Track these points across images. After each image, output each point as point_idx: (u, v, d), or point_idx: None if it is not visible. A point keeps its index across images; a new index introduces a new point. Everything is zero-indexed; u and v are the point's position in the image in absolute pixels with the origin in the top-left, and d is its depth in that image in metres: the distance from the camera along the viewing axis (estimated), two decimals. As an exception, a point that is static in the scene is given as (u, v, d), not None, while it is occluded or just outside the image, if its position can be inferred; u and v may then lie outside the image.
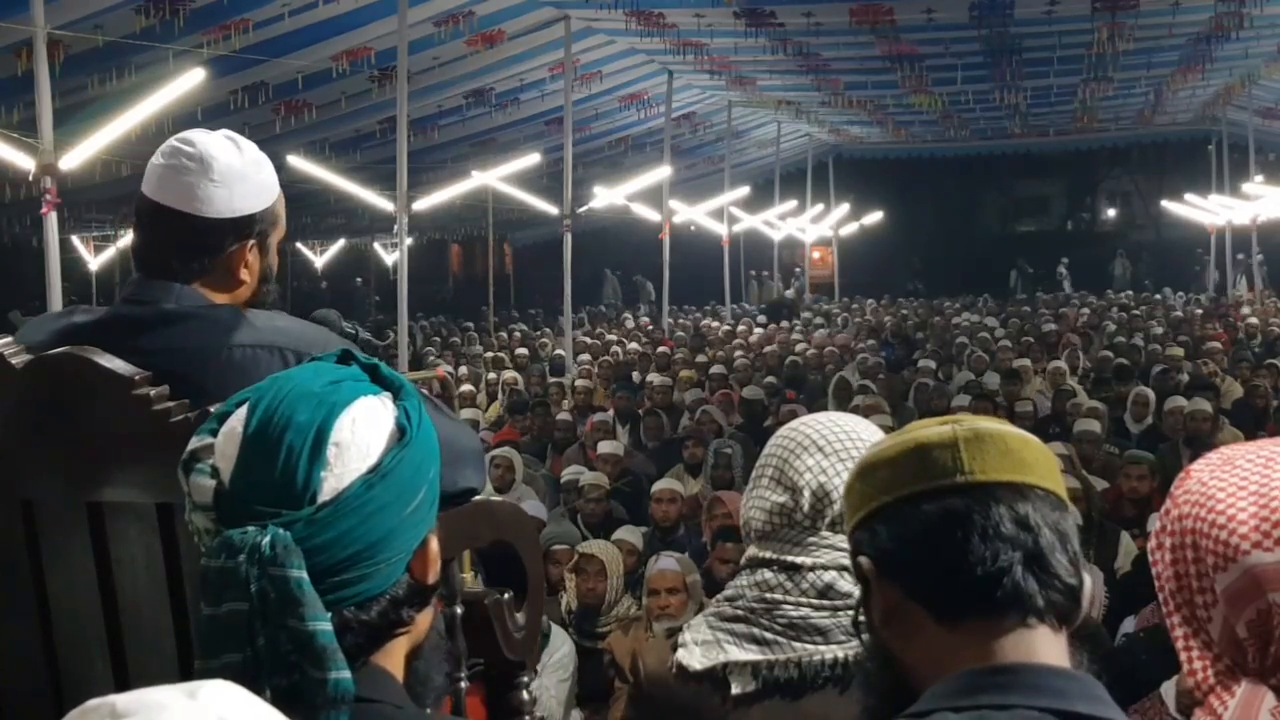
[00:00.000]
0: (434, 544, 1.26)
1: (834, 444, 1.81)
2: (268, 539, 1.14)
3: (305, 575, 1.14)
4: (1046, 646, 1.17)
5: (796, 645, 1.71)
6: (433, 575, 1.27)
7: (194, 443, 1.23)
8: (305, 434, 1.18)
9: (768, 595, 1.74)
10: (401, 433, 1.23)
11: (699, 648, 1.76)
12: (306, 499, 1.17)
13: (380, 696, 1.22)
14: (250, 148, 1.92)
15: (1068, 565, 1.18)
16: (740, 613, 1.76)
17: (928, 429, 1.24)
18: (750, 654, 1.72)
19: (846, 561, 1.73)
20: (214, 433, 1.23)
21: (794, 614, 1.72)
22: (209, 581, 1.15)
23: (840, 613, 1.71)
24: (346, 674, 1.13)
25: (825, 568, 1.74)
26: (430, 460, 1.25)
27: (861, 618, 1.25)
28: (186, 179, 1.86)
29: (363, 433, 1.20)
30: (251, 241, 1.91)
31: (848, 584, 1.72)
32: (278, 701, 1.11)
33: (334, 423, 1.19)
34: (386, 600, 1.22)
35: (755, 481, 1.86)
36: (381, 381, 1.28)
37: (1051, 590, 1.17)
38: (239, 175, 1.88)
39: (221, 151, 1.88)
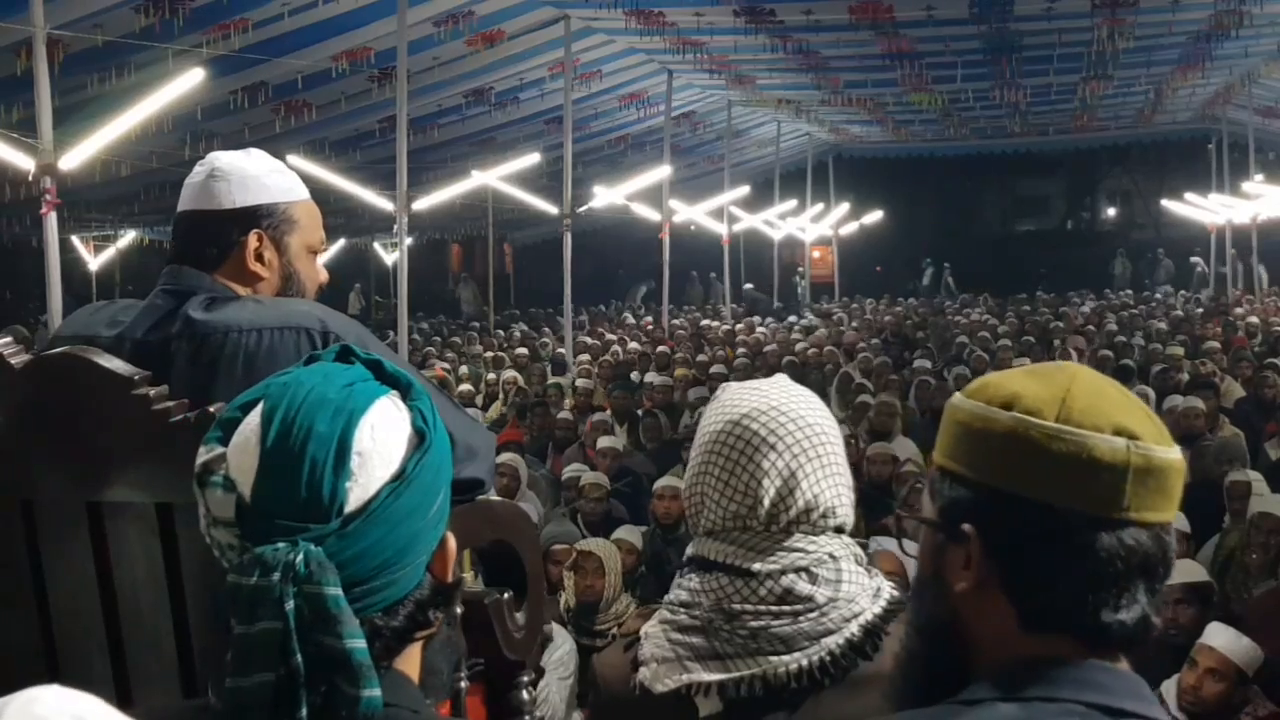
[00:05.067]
0: (451, 541, 1.26)
1: (786, 439, 1.70)
2: (301, 556, 1.12)
3: (341, 592, 1.12)
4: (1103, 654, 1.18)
5: (760, 659, 1.65)
6: (452, 573, 1.26)
7: (203, 454, 1.20)
8: (328, 445, 1.15)
9: (725, 605, 1.67)
10: (420, 437, 1.21)
11: (661, 666, 1.69)
12: (334, 512, 1.15)
13: (399, 701, 1.21)
14: (262, 156, 2.12)
15: (1159, 605, 1.17)
16: (699, 624, 1.69)
17: (1101, 438, 1.14)
18: (714, 673, 1.66)
19: (803, 561, 1.67)
20: (221, 440, 1.20)
21: (754, 624, 1.66)
22: (240, 600, 1.12)
23: (801, 618, 1.66)
24: (377, 692, 1.12)
25: (782, 572, 1.67)
26: (447, 460, 1.25)
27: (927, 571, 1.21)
28: (195, 181, 2.08)
29: (383, 440, 1.19)
30: (258, 232, 2.05)
31: (806, 586, 1.67)
32: (312, 716, 1.11)
33: (354, 431, 1.17)
34: (412, 603, 1.21)
35: (700, 476, 1.74)
36: (387, 379, 1.26)
37: (1138, 629, 1.15)
38: (240, 172, 2.07)
39: (227, 156, 2.09)
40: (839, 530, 1.74)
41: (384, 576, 1.17)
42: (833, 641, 1.66)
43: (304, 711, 1.10)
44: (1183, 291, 25.03)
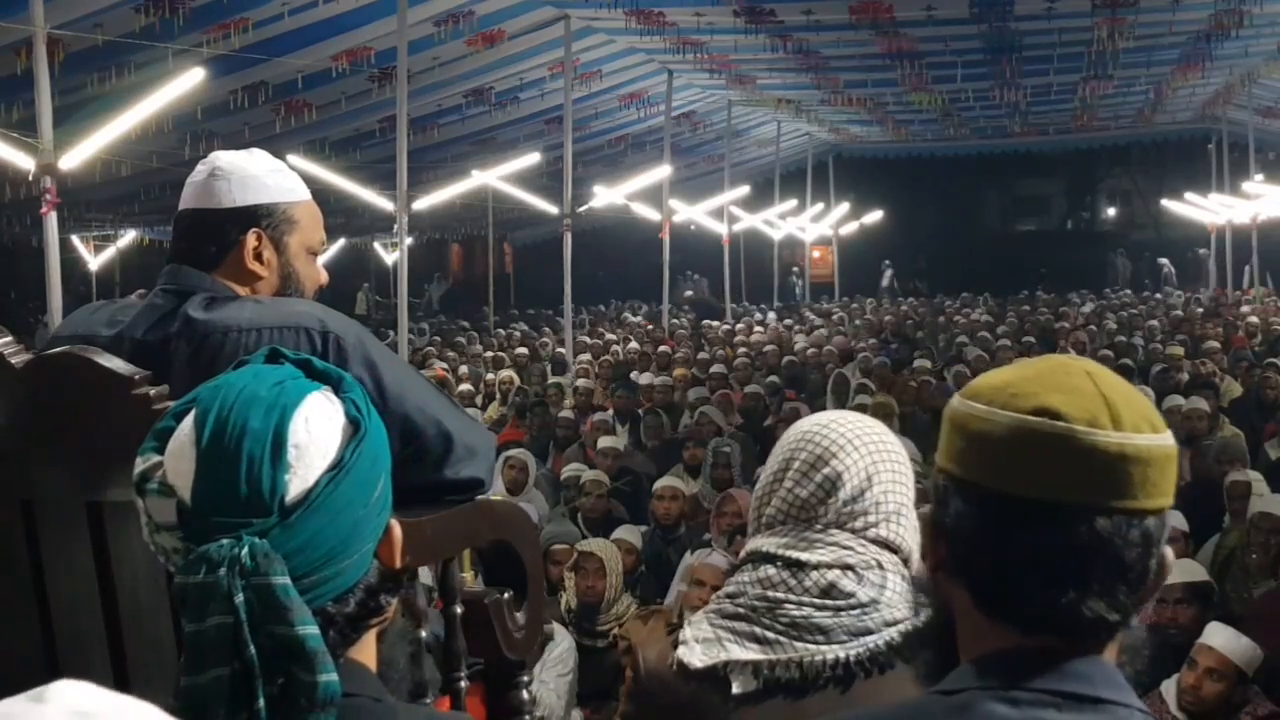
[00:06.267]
0: (397, 529, 1.28)
1: (869, 443, 1.80)
2: (246, 550, 1.13)
3: (289, 581, 1.14)
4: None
5: (798, 645, 1.70)
6: (400, 559, 1.29)
7: (140, 464, 1.22)
8: (263, 440, 1.17)
9: (769, 593, 1.73)
10: (355, 425, 1.24)
11: (700, 645, 1.74)
12: (275, 505, 1.17)
13: (359, 690, 1.23)
14: (263, 156, 2.11)
15: (1127, 600, 1.14)
16: (742, 611, 1.75)
17: (1097, 436, 1.10)
18: (751, 653, 1.71)
19: (851, 560, 1.73)
20: (157, 450, 1.22)
21: (796, 613, 1.71)
22: (189, 598, 1.14)
23: (842, 613, 1.70)
24: (334, 676, 1.14)
25: (829, 566, 1.72)
26: (384, 448, 1.27)
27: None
28: (196, 180, 2.08)
29: (319, 431, 1.21)
30: (257, 231, 2.05)
31: (850, 583, 1.72)
32: (270, 707, 1.11)
33: (289, 424, 1.19)
34: (362, 590, 1.24)
35: (778, 474, 1.81)
36: (318, 376, 1.28)
37: (1109, 623, 1.13)
38: (241, 171, 2.05)
39: (229, 155, 2.09)
40: (891, 549, 1.78)
41: (331, 566, 1.19)
42: (872, 640, 1.70)
43: (261, 703, 1.11)
44: (1179, 291, 25.05)
